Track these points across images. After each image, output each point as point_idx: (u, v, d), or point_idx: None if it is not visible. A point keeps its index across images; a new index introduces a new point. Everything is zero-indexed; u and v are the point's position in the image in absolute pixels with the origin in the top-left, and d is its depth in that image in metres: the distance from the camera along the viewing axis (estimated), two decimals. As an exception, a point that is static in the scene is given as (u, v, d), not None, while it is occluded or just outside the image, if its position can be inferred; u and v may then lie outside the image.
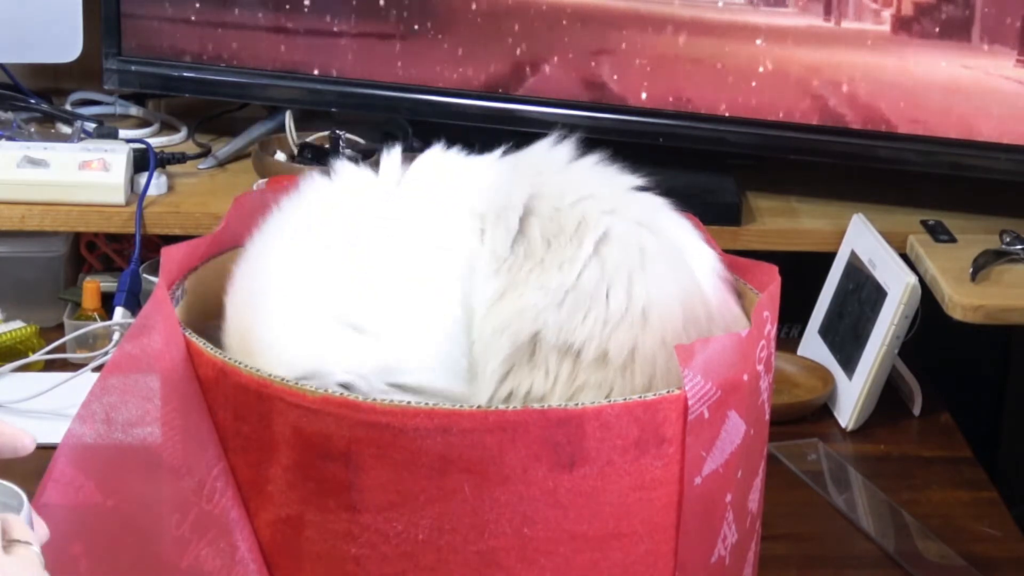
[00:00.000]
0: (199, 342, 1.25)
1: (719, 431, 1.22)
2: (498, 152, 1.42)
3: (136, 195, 2.06)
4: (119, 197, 2.04)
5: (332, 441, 1.18)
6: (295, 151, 2.17)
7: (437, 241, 1.34)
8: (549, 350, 1.30)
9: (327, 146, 2.14)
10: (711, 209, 1.74)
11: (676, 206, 1.42)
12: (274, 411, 1.20)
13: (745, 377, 1.24)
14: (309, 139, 2.17)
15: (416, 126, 2.19)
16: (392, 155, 1.40)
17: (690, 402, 1.20)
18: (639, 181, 1.41)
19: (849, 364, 1.92)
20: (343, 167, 1.41)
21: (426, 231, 1.35)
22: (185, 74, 2.19)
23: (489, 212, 1.35)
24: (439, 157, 1.41)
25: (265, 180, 2.07)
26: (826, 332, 2.00)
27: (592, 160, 1.41)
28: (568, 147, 1.41)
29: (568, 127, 2.03)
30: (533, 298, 1.31)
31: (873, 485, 1.77)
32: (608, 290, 1.31)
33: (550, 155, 1.41)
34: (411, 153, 1.42)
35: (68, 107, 2.31)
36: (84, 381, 1.72)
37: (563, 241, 1.32)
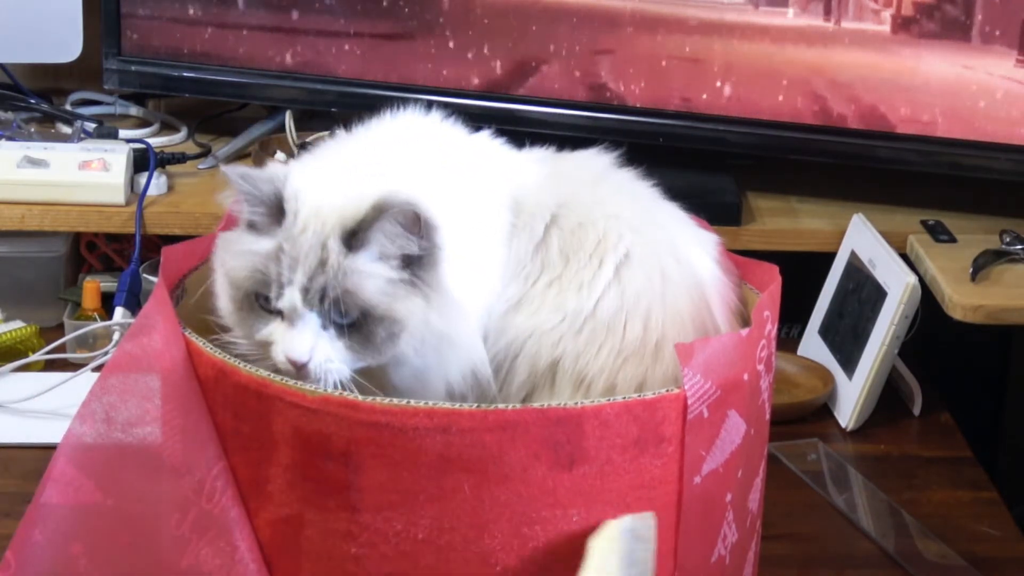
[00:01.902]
0: (199, 342, 1.25)
1: (719, 430, 1.22)
2: (542, 151, 1.42)
3: (136, 195, 2.06)
4: (119, 197, 2.04)
5: (331, 441, 1.18)
6: (295, 151, 2.17)
7: (474, 220, 1.34)
8: (567, 380, 1.31)
9: (327, 146, 2.14)
10: (711, 209, 1.74)
11: (675, 206, 1.42)
12: (273, 411, 1.20)
13: (745, 377, 1.24)
14: (309, 139, 2.17)
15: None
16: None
17: (689, 401, 1.20)
18: (665, 199, 1.41)
19: (849, 364, 1.92)
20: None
21: (465, 211, 1.34)
22: (185, 74, 2.19)
23: (522, 212, 1.35)
24: (486, 142, 1.41)
25: (265, 180, 2.07)
26: (826, 332, 2.00)
27: (626, 175, 1.41)
28: (607, 159, 1.41)
29: (568, 127, 2.06)
30: (550, 320, 1.32)
31: (873, 485, 1.77)
32: (626, 320, 1.31)
33: (587, 165, 1.41)
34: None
35: (68, 107, 2.31)
36: (84, 381, 1.72)
37: (582, 259, 1.33)
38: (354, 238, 1.25)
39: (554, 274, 1.33)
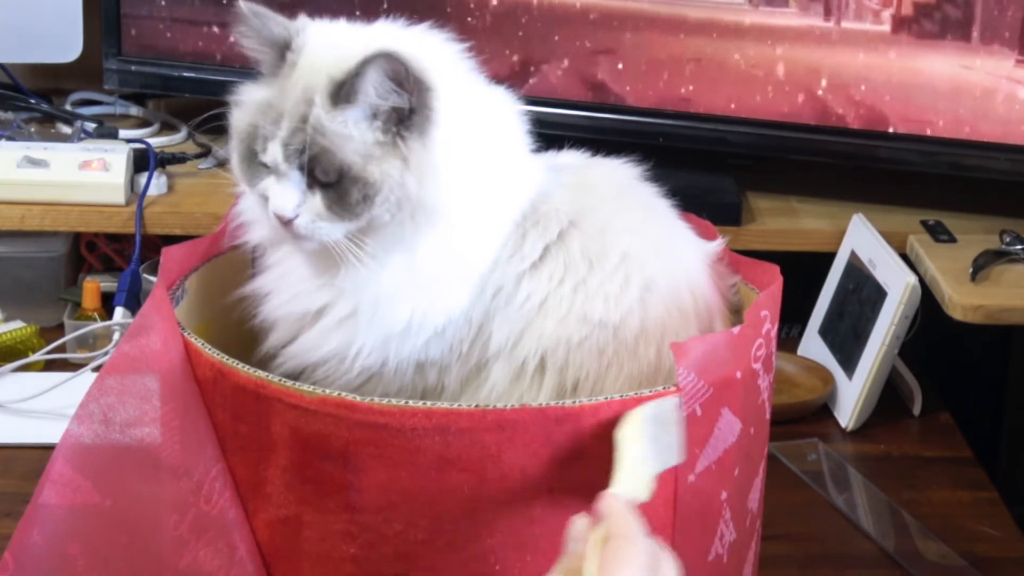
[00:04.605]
0: (198, 342, 1.25)
1: (712, 428, 1.22)
2: (570, 155, 1.41)
3: (136, 195, 2.06)
4: (119, 197, 2.04)
5: (330, 441, 1.18)
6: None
7: (476, 223, 1.33)
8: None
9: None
10: (711, 209, 1.74)
11: (676, 206, 1.42)
12: (272, 411, 1.20)
13: (738, 374, 1.24)
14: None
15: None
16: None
17: (684, 399, 1.20)
18: (683, 223, 1.41)
19: (849, 364, 1.92)
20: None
21: (469, 209, 1.32)
22: (185, 74, 2.18)
23: (535, 213, 1.34)
24: (512, 144, 1.39)
25: (265, 180, 2.07)
26: (826, 332, 2.00)
27: (649, 191, 1.41)
28: (633, 172, 1.41)
29: (568, 127, 2.05)
30: (578, 332, 1.31)
31: (873, 485, 1.77)
32: (644, 347, 1.32)
33: (613, 177, 1.40)
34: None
35: (68, 107, 2.31)
36: (84, 381, 1.72)
37: (607, 269, 1.32)
38: (341, 92, 1.24)
39: (578, 277, 1.32)
